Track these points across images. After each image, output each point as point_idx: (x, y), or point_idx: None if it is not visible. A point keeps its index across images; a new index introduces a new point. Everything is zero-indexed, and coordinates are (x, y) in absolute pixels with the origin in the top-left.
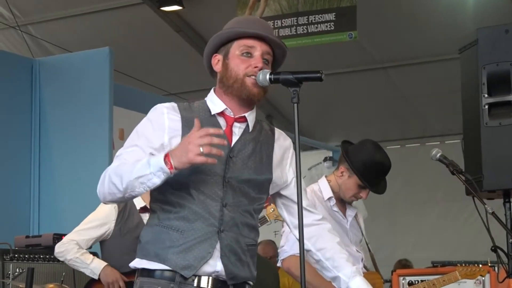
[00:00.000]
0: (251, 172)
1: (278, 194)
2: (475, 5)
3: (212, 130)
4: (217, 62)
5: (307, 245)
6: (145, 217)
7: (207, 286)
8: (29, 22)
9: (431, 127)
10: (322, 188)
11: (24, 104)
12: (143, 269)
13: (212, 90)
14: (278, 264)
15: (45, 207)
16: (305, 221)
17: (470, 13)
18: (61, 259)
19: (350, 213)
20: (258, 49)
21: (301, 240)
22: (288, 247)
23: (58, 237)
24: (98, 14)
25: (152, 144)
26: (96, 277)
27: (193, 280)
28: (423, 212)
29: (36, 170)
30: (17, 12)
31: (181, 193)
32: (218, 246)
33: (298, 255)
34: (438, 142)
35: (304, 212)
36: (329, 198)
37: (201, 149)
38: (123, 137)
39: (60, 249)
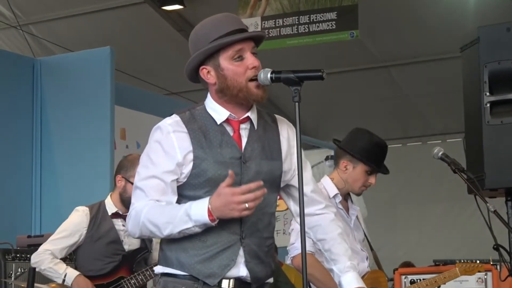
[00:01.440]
0: (266, 172)
1: (283, 182)
2: (476, 3)
3: (253, 185)
4: (207, 73)
5: (309, 234)
6: (117, 222)
7: (228, 287)
8: (30, 22)
9: (433, 126)
10: (327, 186)
11: (25, 103)
12: (167, 273)
13: (209, 97)
14: (288, 262)
15: (46, 206)
16: (308, 210)
17: (471, 11)
18: (37, 269)
19: (352, 211)
20: (247, 49)
21: (302, 233)
22: (298, 244)
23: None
24: (99, 13)
25: (169, 169)
26: (68, 285)
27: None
28: (425, 211)
29: (38, 169)
30: (18, 12)
31: None
32: (241, 252)
33: (309, 252)
34: (440, 141)
35: (309, 200)
36: (335, 195)
37: (247, 205)
38: (124, 136)
39: (35, 259)
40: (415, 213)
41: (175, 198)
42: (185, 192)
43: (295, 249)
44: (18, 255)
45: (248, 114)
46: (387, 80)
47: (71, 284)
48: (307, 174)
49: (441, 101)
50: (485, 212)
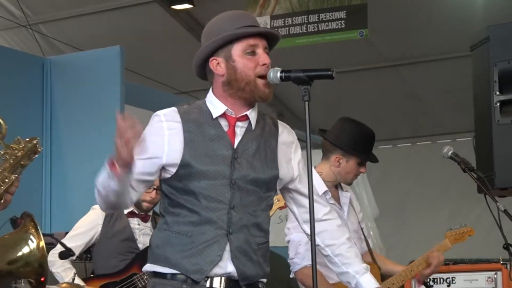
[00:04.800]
0: (257, 171)
1: (286, 188)
2: (485, 2)
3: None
4: (216, 64)
5: (316, 240)
6: (133, 221)
7: (220, 286)
8: (40, 21)
9: (443, 125)
10: (315, 183)
11: (35, 102)
12: (155, 272)
13: (210, 92)
14: (291, 275)
15: (56, 205)
16: (315, 216)
17: (480, 10)
18: (52, 269)
19: (344, 200)
20: (260, 45)
21: (312, 240)
22: (299, 260)
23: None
24: (109, 12)
25: (151, 155)
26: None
27: (205, 281)
28: (434, 210)
29: (48, 168)
30: (28, 11)
31: (189, 197)
32: (228, 248)
33: (310, 266)
34: (450, 140)
35: (315, 206)
36: (325, 192)
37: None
38: None
39: (50, 258)
40: (424, 212)
41: (145, 181)
42: (175, 184)
43: (296, 264)
44: None
45: (247, 112)
46: (396, 79)
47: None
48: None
49: (450, 100)
50: (495, 211)
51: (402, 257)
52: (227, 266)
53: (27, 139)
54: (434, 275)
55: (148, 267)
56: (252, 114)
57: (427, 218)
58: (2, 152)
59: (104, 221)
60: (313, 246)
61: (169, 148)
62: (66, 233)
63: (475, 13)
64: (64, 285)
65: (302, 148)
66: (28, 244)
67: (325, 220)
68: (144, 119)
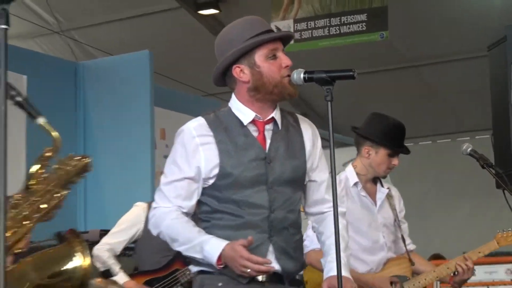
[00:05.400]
0: (290, 171)
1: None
2: (503, 2)
3: (260, 260)
4: (240, 71)
5: (315, 228)
6: None
7: (263, 279)
8: (72, 28)
9: (462, 123)
10: (349, 175)
11: (68, 106)
12: (202, 270)
13: (235, 98)
14: None
15: (91, 204)
16: (320, 209)
17: (497, 11)
18: (97, 264)
19: (380, 196)
20: (279, 48)
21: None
22: (308, 243)
23: (105, 233)
24: (138, 18)
25: (190, 175)
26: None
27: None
28: (455, 206)
29: None
30: (60, 18)
31: (229, 205)
32: (271, 249)
33: (318, 249)
34: (469, 138)
35: (323, 200)
36: (355, 184)
37: (248, 271)
38: (164, 136)
39: (95, 252)
40: (445, 208)
41: (195, 200)
42: (214, 193)
43: (305, 247)
44: None
45: (273, 114)
46: (416, 79)
47: (123, 285)
48: (326, 175)
49: (469, 99)
50: None
51: (423, 251)
52: (272, 264)
53: (79, 157)
54: None
55: (195, 268)
56: (277, 115)
57: (447, 213)
58: (56, 166)
59: (146, 218)
60: (337, 237)
61: (206, 162)
62: (101, 230)
63: (493, 13)
64: (99, 279)
65: (325, 147)
66: (72, 261)
67: (326, 212)
68: (173, 120)
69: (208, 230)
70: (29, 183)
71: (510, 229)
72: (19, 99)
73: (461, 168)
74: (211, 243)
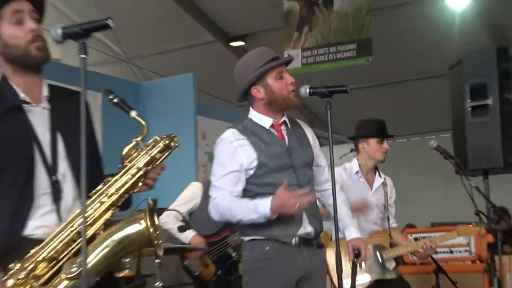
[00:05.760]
0: (306, 156)
1: None
2: (459, 35)
3: (301, 192)
4: (257, 91)
5: (322, 201)
6: None
7: (297, 243)
8: (135, 56)
9: (429, 125)
10: (353, 165)
11: (131, 120)
12: (252, 238)
13: (253, 111)
14: None
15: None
16: (324, 186)
17: (456, 40)
18: (163, 227)
19: (376, 183)
20: (284, 70)
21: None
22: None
23: (160, 211)
24: (185, 49)
25: (235, 169)
26: (187, 242)
27: (291, 240)
28: (424, 188)
29: None
30: (126, 49)
31: (267, 187)
32: (304, 215)
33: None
34: (434, 136)
35: (326, 180)
36: (356, 172)
37: (297, 205)
38: (204, 137)
39: (163, 219)
40: (417, 190)
41: (242, 187)
42: (253, 180)
43: None
44: None
45: (284, 118)
46: (395, 92)
47: (189, 241)
48: (325, 161)
49: (434, 107)
50: (468, 187)
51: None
52: (307, 227)
53: (164, 136)
54: (423, 234)
55: (247, 237)
56: (286, 118)
57: (419, 194)
58: (144, 148)
59: (203, 193)
60: (336, 220)
61: (246, 158)
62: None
63: (452, 41)
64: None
65: (325, 144)
66: (137, 226)
67: (329, 189)
68: (211, 125)
69: None
70: (123, 163)
71: (471, 224)
72: (116, 100)
73: (429, 159)
74: (261, 202)
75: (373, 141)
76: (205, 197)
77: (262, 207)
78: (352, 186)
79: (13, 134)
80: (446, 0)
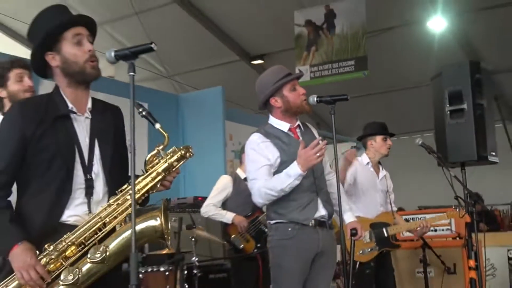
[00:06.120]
0: None
1: None
2: (438, 51)
3: (315, 143)
4: (275, 101)
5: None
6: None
7: (314, 224)
8: (174, 73)
9: (415, 126)
10: (363, 158)
11: (172, 122)
12: (277, 221)
13: (272, 118)
14: None
15: (188, 180)
16: (328, 177)
17: (435, 56)
18: (205, 215)
19: (381, 174)
20: (296, 83)
21: (340, 203)
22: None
23: (195, 198)
24: (215, 67)
25: (265, 163)
26: (229, 222)
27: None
28: (411, 178)
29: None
30: (167, 67)
31: None
32: (319, 201)
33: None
34: (419, 135)
35: (327, 174)
36: (367, 163)
37: (318, 154)
38: (232, 138)
39: (204, 210)
40: (406, 179)
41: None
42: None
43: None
44: (171, 209)
45: (298, 122)
46: (386, 99)
47: (232, 220)
48: (327, 158)
49: (419, 111)
50: (448, 176)
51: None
52: (321, 211)
53: (181, 147)
54: (412, 216)
55: (272, 221)
56: (299, 122)
57: (407, 182)
58: (164, 156)
59: (232, 185)
60: (340, 212)
61: (272, 156)
62: (194, 197)
63: (432, 58)
64: (200, 227)
65: (330, 143)
66: (153, 221)
67: (331, 179)
68: (237, 129)
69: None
70: (146, 168)
71: (459, 208)
72: (144, 113)
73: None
74: (289, 168)
75: (379, 138)
76: (236, 186)
77: (292, 170)
78: (364, 172)
79: (59, 138)
80: (428, 24)
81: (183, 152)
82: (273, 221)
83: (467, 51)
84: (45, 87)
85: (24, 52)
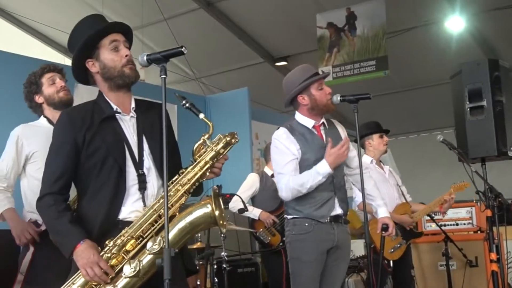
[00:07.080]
0: None
1: None
2: (456, 50)
3: (341, 144)
4: (302, 99)
5: (356, 185)
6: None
7: (330, 221)
8: (202, 76)
9: (436, 123)
10: (365, 159)
11: (200, 124)
12: (294, 217)
13: (299, 114)
14: (353, 207)
15: (216, 179)
16: (354, 172)
17: (453, 55)
18: (233, 210)
19: (386, 170)
20: (323, 83)
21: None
22: (358, 198)
23: (223, 195)
24: (241, 69)
25: (290, 158)
26: (256, 218)
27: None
28: (430, 172)
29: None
30: (195, 70)
31: None
32: (336, 200)
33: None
34: (439, 132)
35: (354, 168)
36: (371, 161)
37: (343, 149)
38: (257, 137)
39: (232, 205)
40: (425, 174)
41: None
42: (301, 169)
43: (356, 201)
44: None
45: (322, 120)
46: (405, 97)
47: (258, 216)
48: (353, 153)
49: (439, 107)
50: (469, 172)
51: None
52: (337, 209)
53: (227, 134)
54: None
55: (290, 216)
56: (324, 120)
57: (425, 176)
58: (211, 144)
59: (260, 182)
60: (364, 203)
61: (296, 150)
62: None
63: (451, 57)
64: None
65: (352, 140)
66: (204, 209)
67: (356, 174)
68: (262, 128)
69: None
70: (194, 157)
71: (459, 182)
72: (188, 104)
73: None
74: (318, 165)
75: (376, 137)
76: (263, 183)
77: (321, 168)
78: (373, 170)
79: (108, 138)
80: (446, 24)
81: (228, 138)
82: (290, 216)
83: (485, 50)
84: (80, 92)
85: (61, 59)
